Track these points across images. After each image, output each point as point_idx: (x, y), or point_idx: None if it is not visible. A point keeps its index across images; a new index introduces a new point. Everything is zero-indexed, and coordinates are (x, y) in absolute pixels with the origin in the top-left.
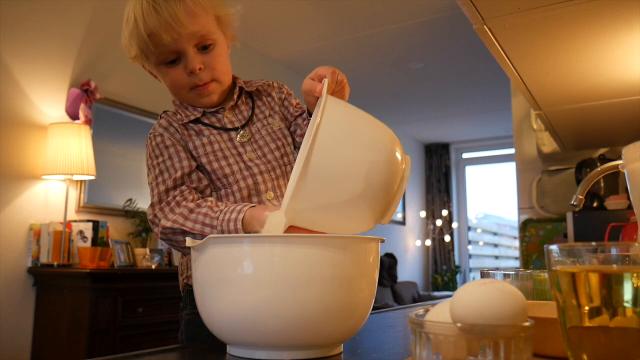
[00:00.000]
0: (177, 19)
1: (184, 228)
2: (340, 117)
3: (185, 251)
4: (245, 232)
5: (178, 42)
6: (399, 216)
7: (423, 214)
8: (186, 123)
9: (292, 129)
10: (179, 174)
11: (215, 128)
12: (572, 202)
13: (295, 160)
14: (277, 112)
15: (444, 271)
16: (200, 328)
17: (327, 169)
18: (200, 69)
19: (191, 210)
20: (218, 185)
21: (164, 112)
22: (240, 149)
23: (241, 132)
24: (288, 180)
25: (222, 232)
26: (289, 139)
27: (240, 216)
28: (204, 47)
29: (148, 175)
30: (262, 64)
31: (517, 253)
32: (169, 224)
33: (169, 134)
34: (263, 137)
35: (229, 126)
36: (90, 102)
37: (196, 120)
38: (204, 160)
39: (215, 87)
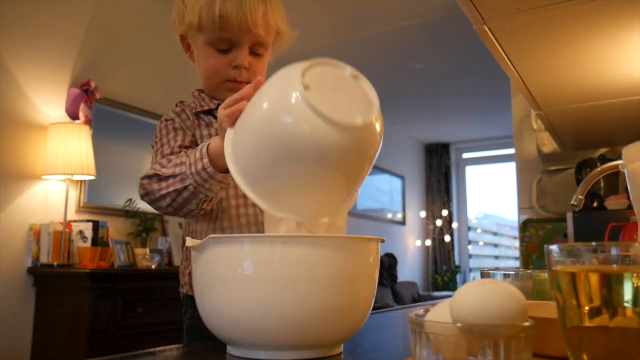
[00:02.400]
0: (255, 16)
1: (158, 172)
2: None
3: (160, 204)
4: (214, 163)
5: (241, 36)
6: (399, 216)
7: (423, 214)
8: (199, 112)
9: None
10: (178, 144)
11: None
12: (572, 202)
13: None
14: None
15: (444, 271)
16: (202, 331)
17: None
18: (246, 67)
19: (169, 160)
20: None
21: (180, 102)
22: None
23: None
24: None
25: (191, 170)
26: None
27: (205, 150)
28: (256, 52)
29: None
30: None
31: (517, 253)
32: (146, 173)
33: (180, 120)
34: None
35: None
36: (90, 102)
37: (209, 112)
38: None
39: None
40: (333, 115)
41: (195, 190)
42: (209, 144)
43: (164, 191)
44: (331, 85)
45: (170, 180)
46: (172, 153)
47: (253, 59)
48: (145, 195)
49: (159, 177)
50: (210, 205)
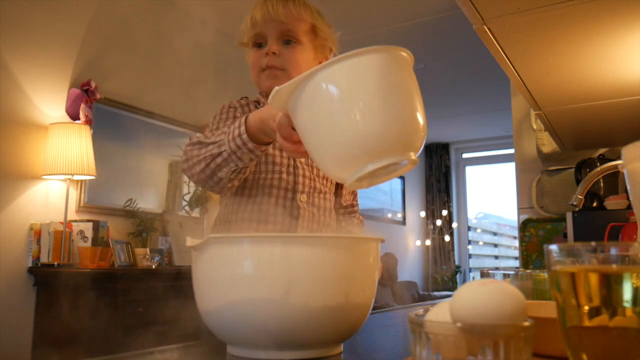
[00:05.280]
0: (275, 7)
1: (202, 140)
2: (362, 72)
3: (195, 169)
4: (255, 140)
5: (267, 27)
6: (399, 216)
7: (423, 214)
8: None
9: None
10: None
11: None
12: (571, 202)
13: (332, 195)
14: None
15: (444, 271)
16: None
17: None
18: (274, 53)
19: (214, 134)
20: (262, 169)
21: (245, 97)
22: None
23: None
24: (321, 194)
25: (228, 138)
26: None
27: (243, 120)
28: (287, 42)
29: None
30: None
31: (516, 253)
32: (191, 141)
33: (242, 111)
34: None
35: None
36: (91, 102)
37: None
38: None
39: (282, 75)
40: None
41: (229, 157)
42: (247, 117)
43: (202, 156)
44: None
45: (210, 147)
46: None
47: (284, 48)
48: (185, 162)
49: (201, 144)
50: (237, 179)
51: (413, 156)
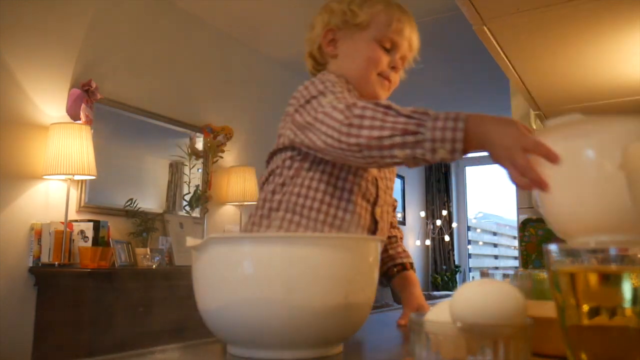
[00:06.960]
0: (411, 39)
1: (395, 107)
2: None
3: (362, 132)
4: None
5: (403, 43)
6: (398, 216)
7: (423, 214)
8: None
9: None
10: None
11: None
12: None
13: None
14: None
15: (443, 271)
16: None
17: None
18: (396, 71)
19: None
20: (351, 169)
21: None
22: None
23: None
24: (390, 208)
25: (436, 125)
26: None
27: (462, 125)
28: (401, 62)
29: (310, 99)
30: (263, 64)
31: (516, 253)
32: (375, 102)
33: (340, 83)
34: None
35: None
36: (91, 103)
37: None
38: None
39: (391, 89)
40: None
41: (422, 142)
42: (468, 116)
43: (389, 123)
44: None
45: (403, 119)
46: (354, 104)
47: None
48: (356, 117)
49: (390, 110)
50: (396, 163)
51: None
